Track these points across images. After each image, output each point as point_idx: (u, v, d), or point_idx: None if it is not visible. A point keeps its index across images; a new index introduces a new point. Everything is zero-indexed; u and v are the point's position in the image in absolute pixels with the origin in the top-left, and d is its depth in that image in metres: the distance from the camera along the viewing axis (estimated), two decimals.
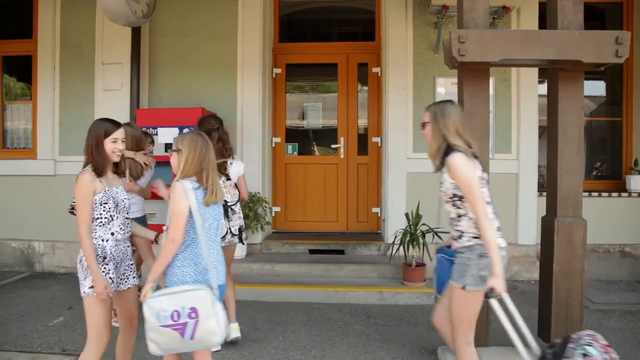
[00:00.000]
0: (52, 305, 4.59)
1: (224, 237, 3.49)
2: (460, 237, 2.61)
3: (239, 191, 3.78)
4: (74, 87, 5.85)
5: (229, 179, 3.70)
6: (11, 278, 5.60)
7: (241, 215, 3.78)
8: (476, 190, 2.50)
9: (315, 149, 6.42)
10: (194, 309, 2.35)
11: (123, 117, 5.46)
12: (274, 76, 6.16)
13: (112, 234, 2.63)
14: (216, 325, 2.38)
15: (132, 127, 4.03)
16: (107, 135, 2.60)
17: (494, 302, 2.63)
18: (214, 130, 3.62)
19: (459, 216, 2.61)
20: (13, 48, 6.14)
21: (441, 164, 2.62)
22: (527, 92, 5.48)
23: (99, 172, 2.59)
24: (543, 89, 5.55)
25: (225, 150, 3.69)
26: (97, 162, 2.58)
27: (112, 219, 2.63)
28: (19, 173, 5.90)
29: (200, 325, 2.36)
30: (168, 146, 5.05)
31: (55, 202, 5.58)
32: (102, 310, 2.58)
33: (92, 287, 2.52)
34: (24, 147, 6.16)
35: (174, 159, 2.59)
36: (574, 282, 3.16)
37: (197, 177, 2.53)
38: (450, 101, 2.74)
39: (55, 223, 5.64)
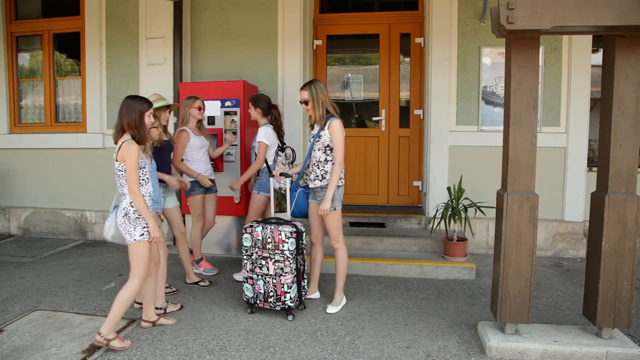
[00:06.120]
0: (103, 272, 4.83)
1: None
2: (324, 176, 3.71)
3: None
4: (119, 62, 6.00)
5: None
6: (67, 245, 5.93)
7: None
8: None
9: (356, 122, 6.36)
10: None
11: (167, 90, 5.60)
12: (314, 48, 6.10)
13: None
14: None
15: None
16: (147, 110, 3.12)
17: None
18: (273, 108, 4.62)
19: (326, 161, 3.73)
20: (62, 25, 6.32)
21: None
22: (578, 62, 5.22)
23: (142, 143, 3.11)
24: (596, 58, 5.27)
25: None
26: (141, 134, 3.08)
27: (147, 182, 3.18)
28: (71, 146, 6.18)
29: None
30: (210, 119, 5.14)
31: (105, 174, 5.81)
32: (148, 251, 3.11)
33: (142, 234, 3.03)
34: (74, 122, 6.41)
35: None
36: (624, 260, 3.03)
37: None
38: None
39: (105, 194, 5.90)
